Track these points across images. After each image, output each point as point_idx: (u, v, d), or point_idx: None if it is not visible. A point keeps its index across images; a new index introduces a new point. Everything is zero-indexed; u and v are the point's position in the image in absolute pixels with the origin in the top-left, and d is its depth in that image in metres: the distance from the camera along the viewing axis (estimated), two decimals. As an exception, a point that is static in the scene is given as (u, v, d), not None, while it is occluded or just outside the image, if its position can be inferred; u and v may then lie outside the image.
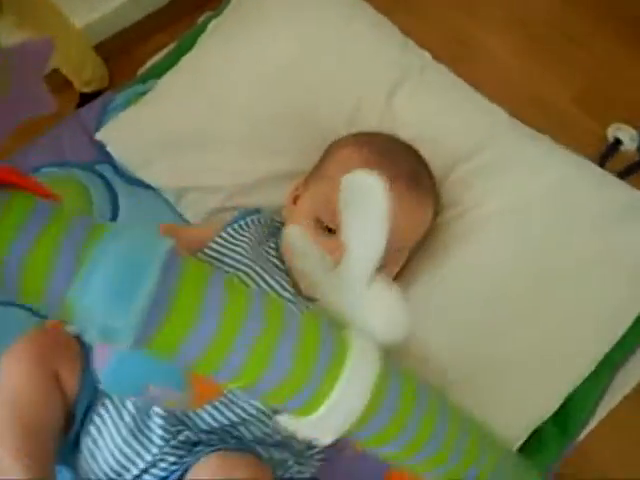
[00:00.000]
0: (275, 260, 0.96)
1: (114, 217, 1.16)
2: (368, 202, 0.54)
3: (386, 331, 0.53)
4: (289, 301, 0.89)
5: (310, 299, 0.89)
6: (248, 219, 1.02)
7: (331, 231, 0.92)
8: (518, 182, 1.03)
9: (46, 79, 1.33)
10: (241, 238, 0.98)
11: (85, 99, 1.38)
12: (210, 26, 1.22)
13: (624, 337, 0.99)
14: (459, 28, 1.67)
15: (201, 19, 1.33)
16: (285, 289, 0.90)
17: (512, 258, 0.98)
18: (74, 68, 1.29)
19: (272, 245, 0.98)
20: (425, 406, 0.53)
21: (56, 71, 1.33)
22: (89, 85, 1.34)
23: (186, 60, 1.19)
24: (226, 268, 0.93)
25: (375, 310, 0.54)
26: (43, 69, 0.95)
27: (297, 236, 0.67)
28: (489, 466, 0.58)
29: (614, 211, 1.00)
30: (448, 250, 1.01)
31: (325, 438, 0.51)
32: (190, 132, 1.11)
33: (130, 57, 1.40)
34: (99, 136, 1.17)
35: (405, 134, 1.07)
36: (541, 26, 1.70)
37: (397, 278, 1.01)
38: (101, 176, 1.20)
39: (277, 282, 0.91)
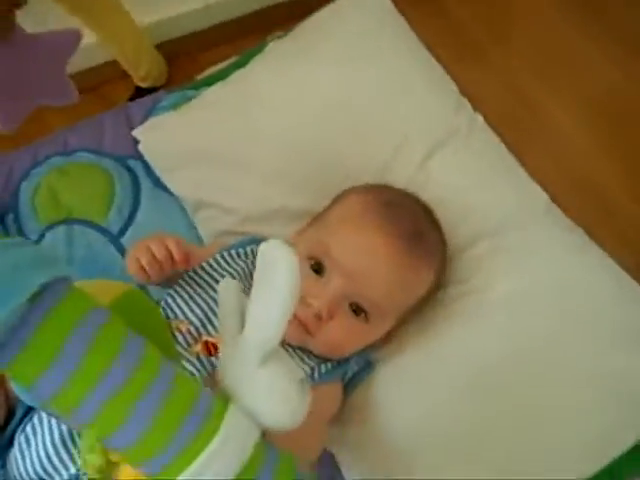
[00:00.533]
0: None
1: (133, 212, 1.17)
2: (274, 276, 0.51)
3: (272, 418, 0.50)
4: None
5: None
6: (248, 248, 1.01)
7: (319, 273, 0.91)
8: (535, 274, 0.97)
9: (107, 66, 1.39)
10: (233, 266, 0.97)
11: (140, 93, 1.40)
12: (267, 48, 1.22)
13: (619, 467, 0.91)
14: (524, 90, 1.60)
15: (269, 38, 1.34)
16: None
17: (506, 352, 0.92)
18: (130, 63, 1.31)
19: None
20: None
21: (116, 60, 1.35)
22: (145, 80, 1.35)
23: (235, 76, 1.19)
24: (202, 293, 0.93)
25: (263, 393, 0.50)
26: (67, 59, 0.98)
27: (231, 289, 0.65)
28: None
29: (625, 331, 0.93)
30: (444, 327, 0.96)
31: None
32: (221, 148, 1.11)
33: (193, 62, 1.41)
34: (135, 132, 1.18)
35: (433, 196, 1.03)
36: (609, 107, 1.63)
37: (384, 342, 0.98)
38: (130, 170, 1.21)
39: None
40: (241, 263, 0.99)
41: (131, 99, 1.38)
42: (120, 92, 1.39)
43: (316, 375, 0.92)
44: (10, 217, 1.18)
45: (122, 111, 1.30)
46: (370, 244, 0.91)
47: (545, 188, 1.08)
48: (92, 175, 1.21)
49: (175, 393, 0.46)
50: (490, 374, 0.91)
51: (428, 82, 1.14)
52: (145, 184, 1.20)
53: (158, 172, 1.15)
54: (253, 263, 0.98)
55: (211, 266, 0.97)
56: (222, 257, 0.99)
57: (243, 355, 0.51)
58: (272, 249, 0.50)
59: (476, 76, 1.24)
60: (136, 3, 1.28)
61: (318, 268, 0.92)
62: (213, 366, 0.88)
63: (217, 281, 0.95)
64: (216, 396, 0.50)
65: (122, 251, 1.13)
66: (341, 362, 0.96)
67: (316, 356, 0.95)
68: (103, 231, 1.15)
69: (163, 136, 1.16)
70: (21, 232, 1.16)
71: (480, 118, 1.14)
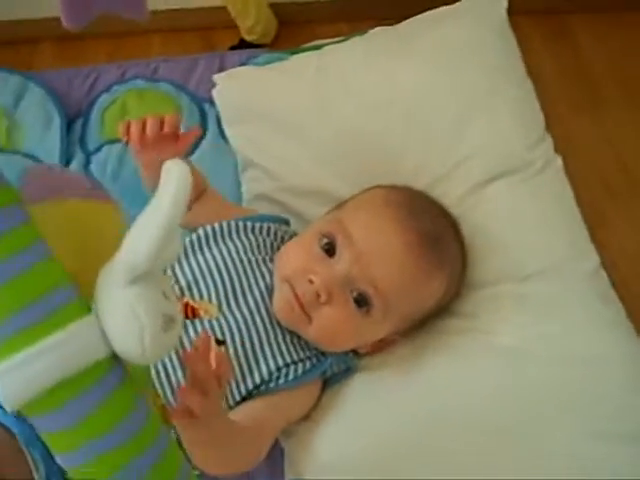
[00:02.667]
0: (262, 271, 0.92)
1: (190, 152, 1.17)
2: (161, 192, 0.47)
3: (120, 344, 0.46)
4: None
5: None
6: (266, 224, 0.99)
7: (329, 254, 0.88)
8: (548, 334, 0.89)
9: (218, 11, 1.40)
10: (243, 236, 0.95)
11: (243, 45, 1.41)
12: (369, 32, 1.19)
13: None
14: (626, 156, 1.43)
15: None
16: (228, 306, 0.89)
17: (487, 402, 0.86)
18: (237, 12, 1.31)
19: (268, 257, 0.95)
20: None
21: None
22: (250, 34, 1.36)
23: (326, 50, 1.16)
24: (199, 255, 0.92)
25: (117, 315, 0.47)
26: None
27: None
28: None
29: (619, 421, 0.83)
30: (433, 355, 0.91)
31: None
32: (287, 115, 1.10)
33: (306, 31, 1.40)
34: (216, 76, 1.18)
35: (475, 222, 0.98)
36: None
37: (374, 349, 0.94)
38: (203, 113, 1.22)
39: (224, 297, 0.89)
40: (251, 237, 0.96)
41: (232, 48, 1.38)
42: (224, 40, 1.39)
43: (299, 372, 0.89)
44: (79, 122, 1.22)
45: (218, 57, 1.31)
46: (387, 232, 0.88)
47: (613, 261, 0.99)
48: (165, 105, 1.23)
49: (33, 276, 0.45)
50: (461, 418, 0.85)
51: (515, 108, 1.06)
52: (211, 130, 1.21)
53: (224, 120, 1.16)
54: (265, 241, 0.97)
55: (221, 230, 0.96)
56: (236, 225, 0.97)
57: (113, 274, 0.48)
58: (169, 163, 0.47)
59: (579, 124, 1.15)
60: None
61: (330, 248, 0.89)
62: (186, 330, 0.87)
63: (220, 248, 0.94)
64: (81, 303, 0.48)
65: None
66: (320, 359, 0.92)
67: (307, 348, 0.91)
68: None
69: (238, 87, 1.16)
70: (82, 140, 1.19)
71: (559, 161, 1.05)
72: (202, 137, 1.20)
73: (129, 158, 1.16)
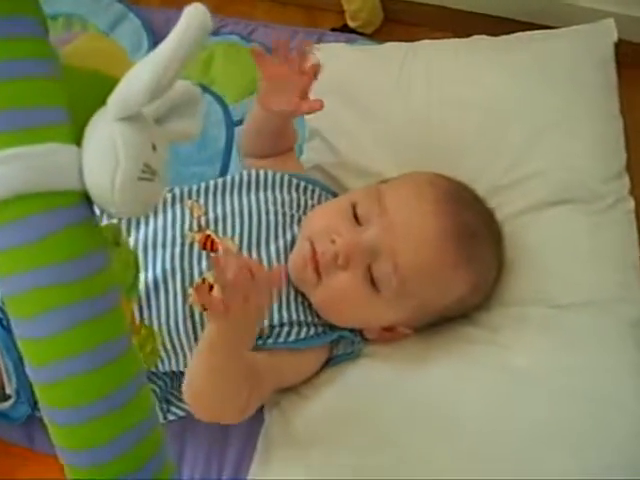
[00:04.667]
0: (293, 228, 0.91)
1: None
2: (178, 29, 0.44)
3: (92, 176, 0.44)
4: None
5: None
6: (312, 186, 0.97)
7: (358, 222, 0.86)
8: (570, 368, 0.83)
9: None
10: (285, 191, 0.94)
11: (345, 30, 1.40)
12: (465, 39, 1.14)
13: None
14: None
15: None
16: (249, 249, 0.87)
17: (486, 423, 0.80)
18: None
19: (296, 226, 0.92)
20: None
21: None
22: (354, 20, 1.34)
23: (422, 44, 1.13)
24: (236, 197, 0.91)
25: (96, 145, 0.45)
26: None
27: None
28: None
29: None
30: (441, 361, 0.86)
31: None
32: (365, 94, 1.08)
33: (410, 31, 1.38)
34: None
35: (525, 243, 0.93)
36: None
37: (382, 338, 0.90)
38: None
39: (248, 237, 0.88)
40: (294, 194, 0.95)
41: (333, 30, 1.38)
42: (328, 22, 1.39)
43: (302, 335, 0.86)
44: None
45: (317, 34, 1.31)
46: (424, 211, 0.85)
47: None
48: (252, 65, 1.22)
49: (30, 85, 0.44)
50: (449, 427, 0.80)
51: (598, 139, 1.00)
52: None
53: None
54: (307, 202, 0.95)
55: (266, 178, 0.95)
56: (282, 177, 0.96)
57: (106, 108, 0.46)
58: (189, 6, 0.45)
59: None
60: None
61: (361, 215, 0.86)
62: (199, 259, 0.86)
63: (259, 196, 0.92)
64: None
65: (231, 138, 1.14)
66: (326, 331, 0.89)
67: (317, 316, 0.88)
68: (227, 112, 1.17)
69: (325, 59, 1.14)
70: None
71: (632, 203, 0.98)
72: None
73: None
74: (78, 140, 0.46)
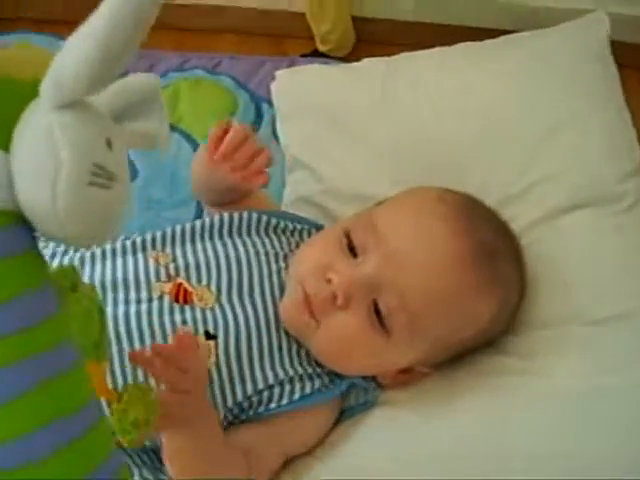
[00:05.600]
0: (280, 268, 0.79)
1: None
2: None
3: (26, 180, 0.33)
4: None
5: None
6: (293, 224, 0.85)
7: (354, 254, 0.74)
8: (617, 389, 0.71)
9: (295, 17, 1.33)
10: (262, 235, 0.82)
11: (315, 55, 1.32)
12: (448, 47, 1.05)
13: None
14: None
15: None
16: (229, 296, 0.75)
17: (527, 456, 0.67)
18: (313, 14, 1.22)
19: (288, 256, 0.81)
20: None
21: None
22: (324, 43, 1.26)
23: (401, 56, 1.04)
24: (208, 241, 0.79)
25: (25, 146, 0.33)
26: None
27: None
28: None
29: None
30: (474, 396, 0.74)
31: None
32: (347, 114, 0.98)
33: (385, 51, 1.31)
34: (278, 72, 1.09)
35: (545, 254, 0.83)
36: None
37: (397, 382, 0.78)
38: (259, 112, 1.13)
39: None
40: (273, 236, 0.83)
41: (303, 56, 1.30)
42: (297, 49, 1.30)
43: (307, 390, 0.74)
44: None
45: (286, 60, 1.23)
46: (433, 232, 0.73)
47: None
48: (221, 98, 1.15)
49: None
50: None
51: (607, 134, 0.91)
52: (264, 131, 1.11)
53: (278, 115, 1.06)
54: (289, 241, 0.83)
55: (240, 221, 0.82)
56: (258, 218, 0.83)
57: (40, 99, 0.35)
58: None
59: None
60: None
61: (355, 247, 0.74)
62: (171, 313, 0.73)
63: (234, 240, 0.80)
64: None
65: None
66: (334, 382, 0.76)
67: (319, 366, 0.76)
68: (196, 149, 1.07)
69: (300, 81, 1.07)
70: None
71: (655, 202, 0.89)
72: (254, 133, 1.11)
73: (170, 142, 1.08)
74: (6, 145, 0.36)
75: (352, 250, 0.74)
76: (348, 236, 0.75)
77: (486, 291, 0.73)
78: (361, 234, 0.74)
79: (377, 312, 0.72)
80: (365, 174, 0.94)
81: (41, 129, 0.34)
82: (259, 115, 1.13)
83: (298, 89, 1.05)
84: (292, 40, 1.32)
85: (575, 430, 0.69)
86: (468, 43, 1.07)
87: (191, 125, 1.09)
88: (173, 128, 1.09)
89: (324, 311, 0.72)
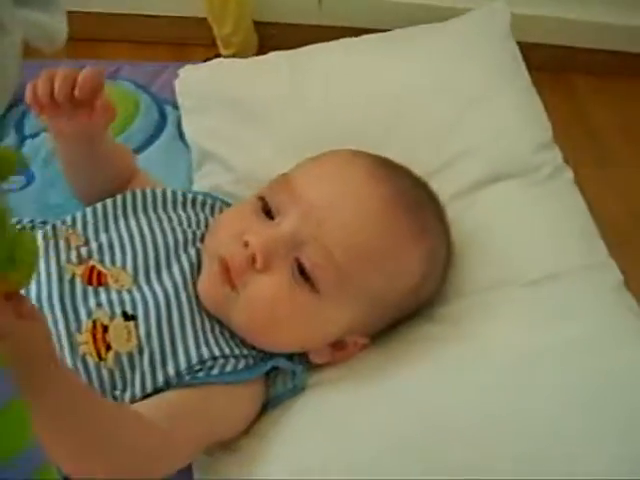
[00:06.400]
0: (197, 246, 0.73)
1: (140, 148, 1.02)
2: None
3: None
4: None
5: None
6: (208, 199, 0.81)
7: (270, 216, 0.70)
8: (569, 341, 0.68)
9: (196, 23, 1.30)
10: (179, 211, 0.77)
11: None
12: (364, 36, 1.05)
13: None
14: None
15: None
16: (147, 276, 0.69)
17: (477, 417, 0.63)
18: (214, 17, 1.20)
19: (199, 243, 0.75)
20: None
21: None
22: (227, 47, 1.24)
23: (306, 48, 1.02)
24: (121, 220, 0.74)
25: None
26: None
27: None
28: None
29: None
30: (414, 365, 0.69)
31: None
32: (253, 103, 0.95)
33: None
34: (182, 69, 1.05)
35: (469, 222, 0.80)
36: None
37: (335, 358, 0.72)
38: (162, 115, 1.08)
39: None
40: (190, 211, 0.78)
41: (206, 60, 1.27)
42: (199, 56, 1.28)
43: (228, 368, 0.67)
44: (19, 109, 1.06)
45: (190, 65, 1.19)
46: (354, 180, 0.70)
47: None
48: (123, 101, 1.08)
49: None
50: (452, 441, 0.62)
51: (518, 108, 0.91)
52: (168, 131, 1.05)
53: (182, 110, 1.01)
54: (206, 217, 0.78)
55: (154, 197, 0.78)
56: (173, 195, 0.79)
57: None
58: None
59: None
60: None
61: (271, 210, 0.70)
62: (85, 296, 0.67)
63: (149, 216, 0.75)
64: None
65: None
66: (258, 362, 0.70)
67: (245, 346, 0.69)
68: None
69: (203, 75, 1.03)
70: (19, 124, 1.03)
71: (570, 174, 0.89)
72: (157, 136, 1.05)
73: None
74: None
75: (268, 214, 0.70)
76: (263, 199, 0.71)
77: (415, 239, 0.70)
78: (276, 196, 0.70)
79: (301, 272, 0.67)
80: (276, 159, 0.88)
81: None
82: (162, 117, 1.08)
83: (203, 83, 1.01)
84: (194, 48, 1.29)
85: (513, 392, 0.65)
86: (371, 35, 1.07)
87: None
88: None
89: (243, 277, 0.67)
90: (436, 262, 0.73)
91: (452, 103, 0.91)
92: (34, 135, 1.01)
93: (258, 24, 1.28)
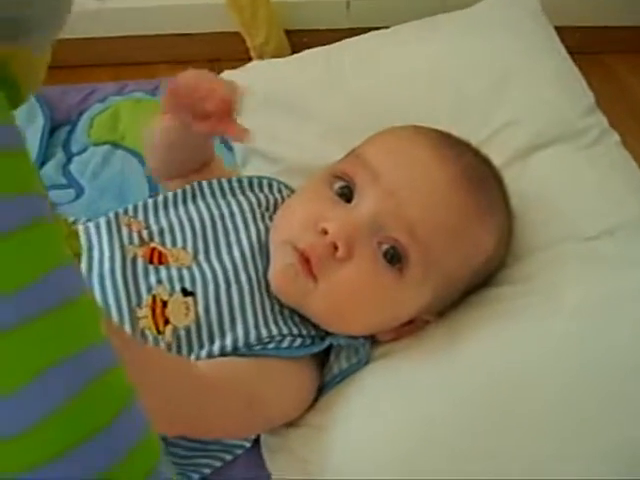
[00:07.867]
0: (259, 227, 0.73)
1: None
2: None
3: None
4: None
5: None
6: (266, 180, 0.82)
7: (344, 198, 0.68)
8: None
9: (229, 38, 1.32)
10: (239, 197, 0.77)
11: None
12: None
13: None
14: None
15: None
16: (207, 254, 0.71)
17: (561, 374, 0.62)
18: (246, 26, 1.22)
19: (269, 214, 0.76)
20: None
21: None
22: (261, 57, 1.26)
23: (341, 42, 1.03)
24: (181, 208, 0.75)
25: None
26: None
27: None
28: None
29: None
30: (480, 328, 0.67)
31: None
32: (293, 95, 0.96)
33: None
34: (225, 73, 1.07)
35: (522, 188, 0.79)
36: None
37: (401, 334, 0.71)
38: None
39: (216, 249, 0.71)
40: (250, 194, 0.78)
41: (240, 72, 1.29)
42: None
43: (284, 344, 0.67)
44: (65, 129, 1.09)
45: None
46: (424, 161, 0.68)
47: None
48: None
49: None
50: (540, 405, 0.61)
51: (559, 77, 0.91)
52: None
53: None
54: (267, 198, 0.79)
55: (211, 186, 0.78)
56: (230, 183, 0.79)
57: None
58: None
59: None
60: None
61: (347, 192, 0.68)
62: (146, 274, 0.68)
63: (208, 202, 0.76)
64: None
65: (152, 187, 0.98)
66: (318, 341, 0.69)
67: (306, 327, 0.69)
68: (143, 162, 1.02)
69: (240, 79, 1.02)
70: (66, 142, 1.06)
71: (617, 137, 0.88)
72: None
73: (115, 159, 1.03)
74: None
75: (343, 195, 0.68)
76: (336, 181, 0.69)
77: (485, 215, 0.69)
78: (351, 176, 0.68)
79: (384, 255, 0.66)
80: (319, 147, 0.90)
81: None
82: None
83: (244, 84, 1.03)
84: (229, 63, 1.31)
85: (596, 334, 0.64)
86: (403, 25, 1.07)
87: (134, 141, 1.05)
88: (117, 146, 1.05)
89: (325, 266, 0.65)
90: (503, 235, 0.73)
91: (491, 77, 0.91)
92: (81, 152, 1.05)
93: (289, 32, 1.29)
